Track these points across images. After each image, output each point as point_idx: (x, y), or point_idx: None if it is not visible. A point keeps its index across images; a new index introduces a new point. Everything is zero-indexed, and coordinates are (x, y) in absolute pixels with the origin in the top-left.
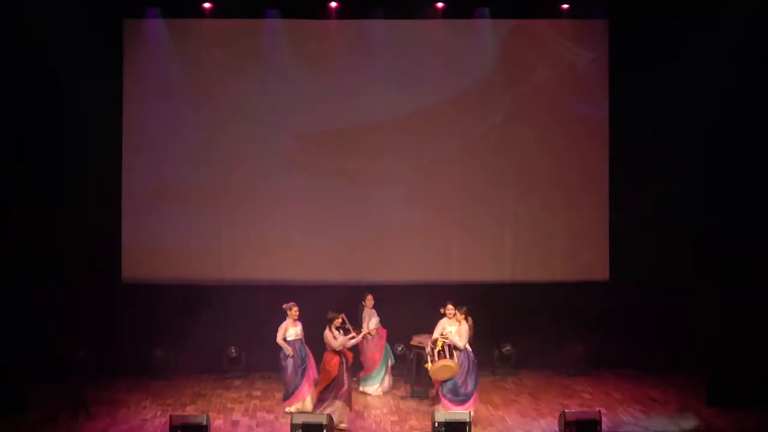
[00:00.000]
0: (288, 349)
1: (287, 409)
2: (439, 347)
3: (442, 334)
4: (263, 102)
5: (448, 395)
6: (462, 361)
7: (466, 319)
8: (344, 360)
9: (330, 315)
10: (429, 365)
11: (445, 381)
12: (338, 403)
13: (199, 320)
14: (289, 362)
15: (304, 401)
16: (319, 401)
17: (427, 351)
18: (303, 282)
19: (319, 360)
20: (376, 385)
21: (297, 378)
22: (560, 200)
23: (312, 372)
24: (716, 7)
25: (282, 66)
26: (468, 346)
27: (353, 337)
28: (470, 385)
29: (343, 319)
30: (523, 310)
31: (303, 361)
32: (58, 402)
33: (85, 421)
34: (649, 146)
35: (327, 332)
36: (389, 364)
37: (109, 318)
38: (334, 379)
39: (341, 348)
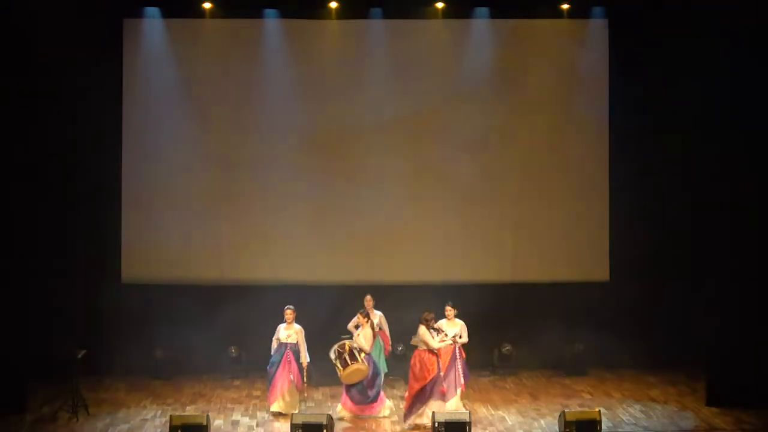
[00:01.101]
0: (272, 350)
1: (270, 408)
2: (347, 351)
3: (342, 339)
4: (263, 102)
5: (357, 398)
6: (369, 364)
7: (367, 322)
8: (439, 361)
9: (427, 315)
10: (341, 370)
11: (355, 384)
12: (454, 401)
13: (199, 320)
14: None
15: (277, 402)
16: (415, 404)
17: (331, 357)
18: (303, 282)
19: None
20: None
21: (270, 378)
22: (560, 200)
23: (284, 377)
24: (716, 7)
25: (282, 66)
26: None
27: (445, 337)
28: (375, 387)
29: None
30: (523, 310)
31: (276, 365)
32: (58, 402)
33: (85, 421)
34: (649, 146)
35: (424, 332)
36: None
37: (109, 318)
38: (432, 380)
39: (439, 348)
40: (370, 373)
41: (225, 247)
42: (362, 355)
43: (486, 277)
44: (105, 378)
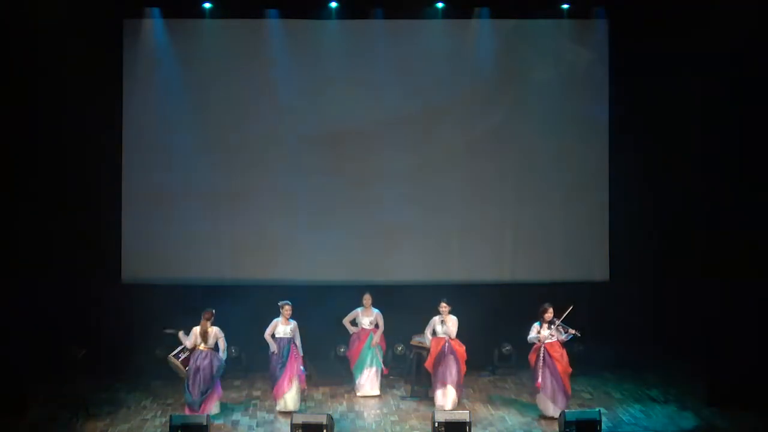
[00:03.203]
0: (272, 346)
1: (277, 407)
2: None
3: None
4: (263, 102)
5: (193, 393)
6: (187, 361)
7: (212, 324)
8: (542, 353)
9: (546, 307)
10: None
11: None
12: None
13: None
14: (273, 358)
15: (284, 398)
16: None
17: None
18: (303, 282)
19: None
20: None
21: (276, 374)
22: (560, 200)
23: (291, 372)
24: (716, 7)
25: (282, 66)
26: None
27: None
28: (202, 386)
29: (552, 314)
30: (523, 310)
31: (284, 359)
32: (58, 402)
33: (85, 421)
34: (649, 146)
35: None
36: (366, 367)
37: (109, 318)
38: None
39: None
40: (189, 370)
41: (225, 247)
42: (185, 352)
43: (486, 277)
44: (105, 378)
